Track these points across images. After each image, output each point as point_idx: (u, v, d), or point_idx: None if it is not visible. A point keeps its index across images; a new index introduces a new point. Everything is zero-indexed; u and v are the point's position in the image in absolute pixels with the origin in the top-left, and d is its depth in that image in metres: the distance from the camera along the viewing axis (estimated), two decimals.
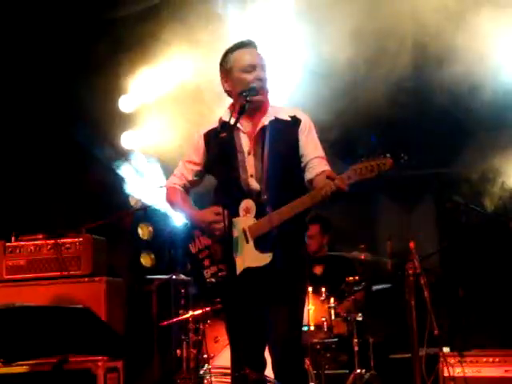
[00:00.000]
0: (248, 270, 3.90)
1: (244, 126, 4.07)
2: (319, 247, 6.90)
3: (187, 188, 4.27)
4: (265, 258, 3.89)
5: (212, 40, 6.72)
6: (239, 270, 3.92)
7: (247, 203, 3.95)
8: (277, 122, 4.06)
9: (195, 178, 4.23)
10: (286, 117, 4.09)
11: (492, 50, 6.36)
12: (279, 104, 4.28)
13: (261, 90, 4.02)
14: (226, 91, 4.17)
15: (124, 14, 7.43)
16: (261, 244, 3.90)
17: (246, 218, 3.95)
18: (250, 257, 3.90)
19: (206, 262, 4.07)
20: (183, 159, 4.28)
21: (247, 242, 3.93)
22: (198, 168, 4.21)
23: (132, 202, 7.92)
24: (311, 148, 4.04)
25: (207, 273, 4.06)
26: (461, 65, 6.20)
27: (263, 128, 4.03)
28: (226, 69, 4.10)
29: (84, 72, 7.51)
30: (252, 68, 4.03)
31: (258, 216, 3.93)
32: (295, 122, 4.07)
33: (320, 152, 4.05)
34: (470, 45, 6.18)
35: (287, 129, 4.06)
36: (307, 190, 3.97)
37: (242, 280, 3.89)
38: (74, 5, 7.26)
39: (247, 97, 3.95)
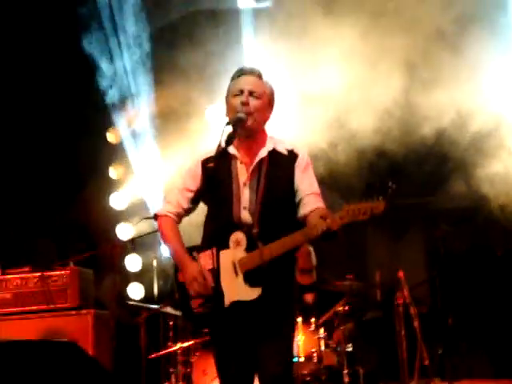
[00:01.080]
0: (236, 304, 3.86)
1: (241, 155, 4.05)
2: (308, 262, 6.84)
3: (181, 216, 4.22)
4: (254, 292, 3.85)
5: None
6: (228, 302, 3.88)
7: (238, 235, 3.91)
8: (275, 154, 4.04)
9: (190, 206, 4.19)
10: (283, 150, 4.06)
11: (480, 79, 6.42)
12: (277, 135, 4.22)
13: (248, 116, 3.98)
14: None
15: None
16: (250, 278, 3.87)
17: (235, 251, 3.90)
18: (238, 290, 3.86)
19: (193, 294, 4.03)
20: (179, 186, 4.24)
21: (236, 275, 3.89)
22: (192, 196, 4.18)
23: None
24: (306, 184, 4.00)
25: (195, 303, 4.02)
26: (447, 94, 6.25)
27: (261, 160, 4.02)
28: (226, 97, 4.10)
29: None
30: (240, 92, 4.01)
31: (248, 249, 3.89)
32: (292, 156, 4.06)
33: (315, 188, 4.02)
34: (457, 74, 6.24)
35: (284, 163, 4.02)
36: (300, 225, 3.93)
37: (230, 313, 3.85)
38: None
39: (234, 127, 3.94)
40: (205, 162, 4.09)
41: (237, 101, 3.98)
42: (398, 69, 6.46)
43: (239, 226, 3.91)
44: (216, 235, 3.87)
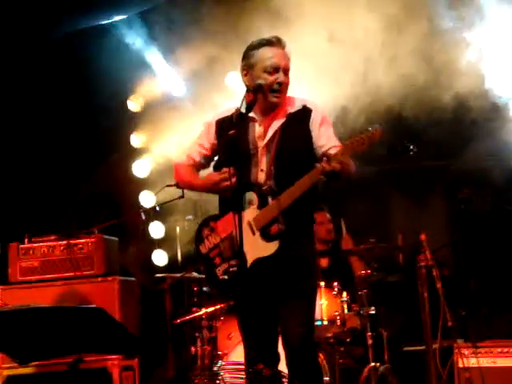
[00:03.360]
0: (258, 261, 3.91)
1: (260, 118, 4.09)
2: (328, 233, 6.88)
3: (194, 167, 4.29)
4: (272, 247, 3.91)
5: None
6: (249, 262, 3.93)
7: (250, 195, 3.97)
8: (291, 117, 4.07)
9: (202, 161, 4.26)
10: (295, 109, 4.10)
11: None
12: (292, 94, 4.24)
13: (277, 94, 4.01)
14: (246, 85, 4.14)
15: None
16: (266, 233, 3.92)
17: (249, 211, 3.97)
18: (257, 248, 3.91)
19: (217, 261, 4.10)
20: (194, 141, 4.30)
21: (253, 233, 3.95)
22: (205, 152, 4.24)
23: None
24: (325, 139, 4.04)
25: (219, 271, 4.08)
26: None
27: (278, 128, 4.04)
28: (249, 63, 4.08)
29: None
30: (275, 70, 4.02)
31: (260, 207, 3.95)
32: (306, 112, 4.08)
33: (334, 141, 4.05)
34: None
35: (298, 121, 4.07)
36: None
37: (253, 272, 3.90)
38: None
39: (255, 94, 3.96)
40: (219, 123, 4.13)
41: (271, 78, 3.99)
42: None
43: (253, 186, 3.96)
44: (232, 199, 3.93)
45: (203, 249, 4.17)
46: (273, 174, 4.00)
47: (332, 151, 3.95)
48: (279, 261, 3.92)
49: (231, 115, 3.98)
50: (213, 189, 4.08)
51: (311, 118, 4.06)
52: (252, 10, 6.53)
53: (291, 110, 4.09)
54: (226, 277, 4.05)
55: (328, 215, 6.87)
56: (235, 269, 3.98)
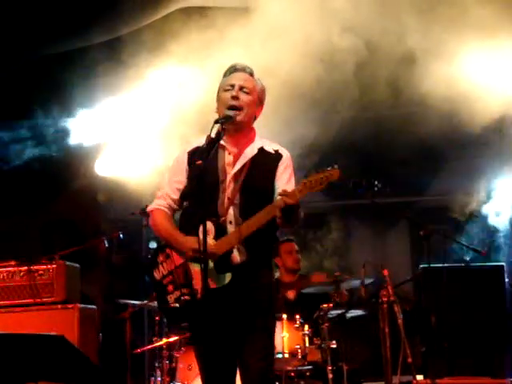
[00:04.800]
0: (211, 292, 3.86)
1: (229, 147, 4.11)
2: (296, 262, 6.97)
3: (172, 207, 4.23)
4: (224, 279, 3.90)
5: None
6: (200, 292, 3.92)
7: (208, 225, 3.94)
8: (262, 153, 4.12)
9: (180, 198, 4.22)
10: (271, 150, 4.16)
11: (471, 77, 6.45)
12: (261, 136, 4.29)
13: (238, 111, 4.04)
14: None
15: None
16: (219, 265, 3.91)
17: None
18: (210, 279, 3.88)
19: (170, 288, 4.07)
20: (167, 179, 4.28)
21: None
22: (182, 186, 4.21)
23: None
24: (283, 181, 4.08)
25: (171, 298, 4.06)
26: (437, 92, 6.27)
27: (248, 160, 4.07)
28: (217, 93, 4.17)
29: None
30: (231, 87, 4.09)
31: (216, 237, 3.95)
32: (278, 156, 4.15)
33: (290, 186, 4.08)
34: (447, 71, 6.26)
35: (270, 161, 4.12)
36: (275, 220, 4.00)
37: (205, 304, 3.87)
38: None
39: (222, 124, 3.99)
40: (192, 153, 4.15)
41: (227, 95, 4.06)
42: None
43: (211, 217, 3.95)
44: (192, 226, 3.91)
45: (157, 275, 4.14)
46: (239, 204, 4.01)
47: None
48: (234, 293, 3.91)
49: (202, 145, 4.00)
50: (178, 249, 4.08)
51: (280, 162, 4.12)
52: None
53: (265, 147, 4.13)
54: (177, 305, 4.03)
55: (296, 246, 6.99)
56: (187, 297, 3.97)
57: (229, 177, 4.06)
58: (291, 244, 6.97)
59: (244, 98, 4.08)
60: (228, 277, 3.89)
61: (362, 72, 6.35)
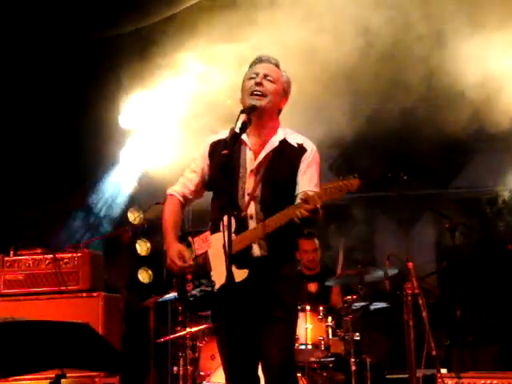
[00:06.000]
0: (228, 286, 3.85)
1: (251, 142, 4.08)
2: (310, 262, 6.90)
3: (187, 198, 4.24)
4: (242, 274, 3.88)
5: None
6: (218, 285, 3.93)
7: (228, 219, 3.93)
8: (284, 145, 4.08)
9: (197, 188, 4.22)
10: (293, 143, 4.10)
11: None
12: (290, 127, 4.25)
13: (262, 98, 4.01)
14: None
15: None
16: (238, 260, 3.90)
17: (226, 234, 3.94)
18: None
19: (189, 277, 4.09)
20: (189, 168, 4.28)
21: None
22: (197, 178, 4.21)
23: (131, 218, 7.93)
24: (306, 179, 4.04)
25: (189, 287, 4.07)
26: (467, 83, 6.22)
27: (270, 152, 4.04)
28: (242, 83, 4.14)
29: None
30: (255, 75, 4.06)
31: (238, 232, 3.93)
32: (301, 150, 4.09)
33: (313, 186, 4.04)
34: (470, 67, 6.21)
35: (291, 155, 4.07)
36: None
37: (222, 296, 3.88)
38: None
39: (249, 114, 3.96)
40: (214, 145, 4.13)
41: (251, 82, 4.03)
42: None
43: (232, 211, 3.93)
44: (216, 220, 3.94)
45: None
46: (259, 198, 3.99)
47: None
48: (253, 285, 3.89)
49: (225, 138, 3.97)
50: (168, 254, 4.09)
51: (303, 157, 4.07)
52: None
53: (288, 139, 4.09)
54: (195, 294, 4.04)
55: (316, 244, 6.88)
56: (205, 288, 3.98)
57: (248, 172, 4.03)
58: (308, 242, 6.81)
59: (268, 85, 4.05)
60: (244, 273, 3.88)
61: (391, 64, 6.32)
